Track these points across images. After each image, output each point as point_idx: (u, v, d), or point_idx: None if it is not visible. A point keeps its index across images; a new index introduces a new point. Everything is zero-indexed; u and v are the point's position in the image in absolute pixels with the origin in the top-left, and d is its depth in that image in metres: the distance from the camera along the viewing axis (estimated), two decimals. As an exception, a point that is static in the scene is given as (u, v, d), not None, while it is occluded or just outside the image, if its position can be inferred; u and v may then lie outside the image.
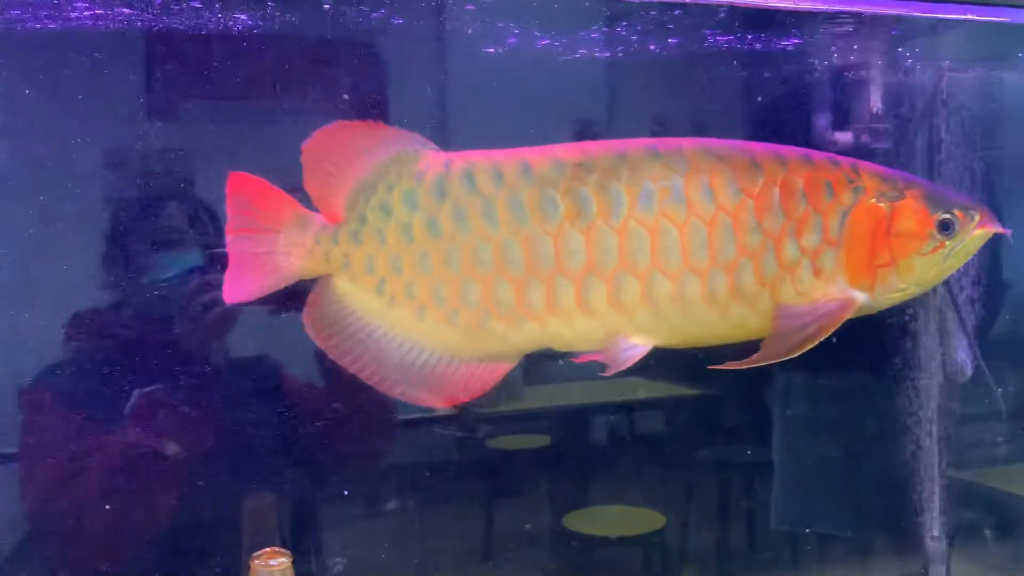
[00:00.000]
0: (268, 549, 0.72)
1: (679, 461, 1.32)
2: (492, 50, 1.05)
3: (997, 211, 1.32)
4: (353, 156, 0.71)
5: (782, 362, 0.76)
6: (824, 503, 1.38)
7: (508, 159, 0.71)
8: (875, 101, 1.33)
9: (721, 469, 1.37)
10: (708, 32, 1.14)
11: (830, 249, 0.73)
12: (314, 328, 0.72)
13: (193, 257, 0.92)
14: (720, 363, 0.72)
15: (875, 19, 1.23)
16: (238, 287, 0.72)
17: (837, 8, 1.15)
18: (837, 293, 0.73)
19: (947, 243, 0.74)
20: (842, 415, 1.36)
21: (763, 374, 1.29)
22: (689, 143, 0.73)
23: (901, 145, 1.35)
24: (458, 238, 0.70)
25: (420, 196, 0.71)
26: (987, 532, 1.45)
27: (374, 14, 0.95)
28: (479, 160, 0.72)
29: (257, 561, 0.71)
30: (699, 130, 1.25)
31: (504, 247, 0.70)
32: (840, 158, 0.75)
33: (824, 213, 0.72)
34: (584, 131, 1.13)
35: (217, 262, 0.89)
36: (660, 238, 0.70)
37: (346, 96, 1.00)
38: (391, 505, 1.13)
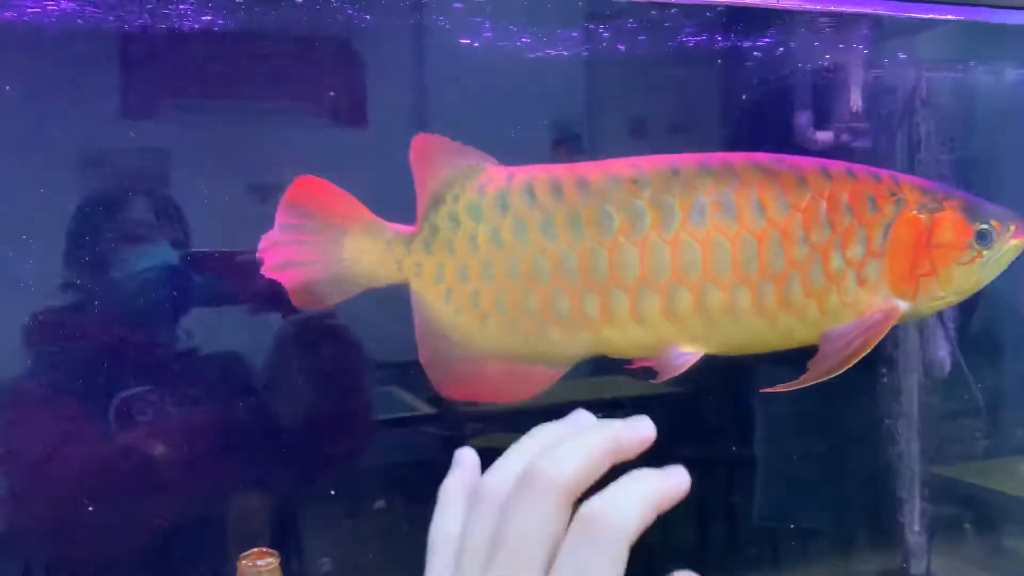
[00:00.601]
0: (255, 549, 0.72)
1: (662, 458, 1.32)
2: (470, 43, 1.05)
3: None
4: (427, 167, 0.74)
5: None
6: (807, 499, 1.39)
7: (567, 173, 0.74)
8: (855, 100, 1.34)
9: (703, 466, 1.38)
10: (687, 31, 1.15)
11: (874, 260, 0.75)
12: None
13: (164, 252, 0.92)
14: (769, 385, 0.75)
15: (854, 18, 1.24)
16: (309, 294, 0.73)
17: (816, 8, 1.16)
18: (881, 303, 0.75)
19: (984, 253, 0.76)
20: (824, 411, 1.38)
21: (745, 372, 1.29)
22: (738, 158, 0.75)
23: (881, 144, 1.37)
24: (518, 249, 0.73)
25: (484, 208, 0.73)
26: (966, 527, 1.47)
27: (350, 10, 0.95)
28: (539, 174, 0.74)
29: (245, 561, 0.70)
30: (678, 129, 1.26)
31: (561, 259, 0.73)
32: (881, 171, 0.77)
33: (868, 225, 0.74)
34: (565, 130, 1.14)
35: (194, 261, 0.89)
36: (712, 251, 0.72)
37: (327, 94, 1.00)
38: (376, 504, 1.13)
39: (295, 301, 0.73)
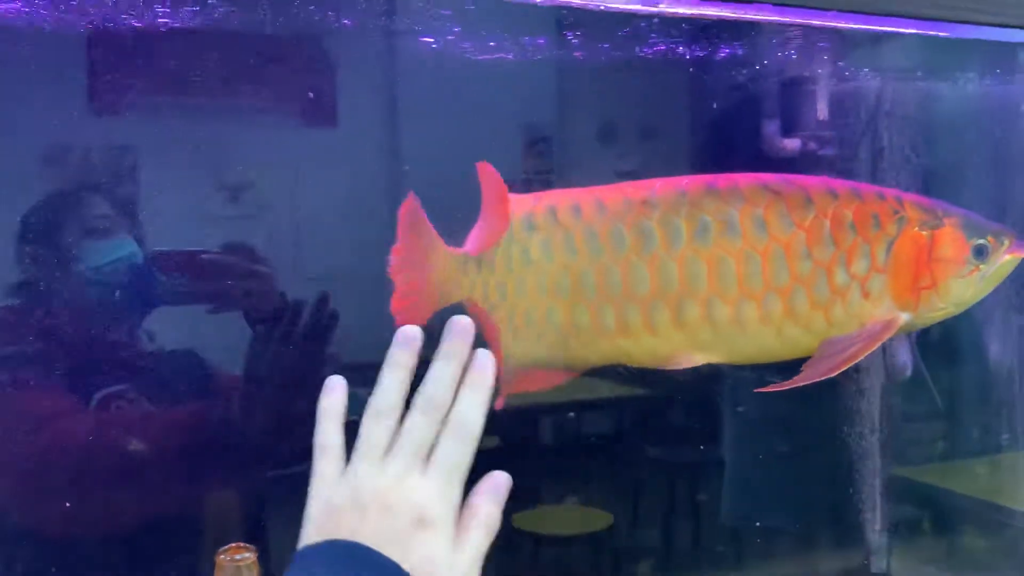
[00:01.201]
0: (233, 544, 0.72)
1: (628, 460, 1.34)
2: (434, 46, 1.06)
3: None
4: (490, 195, 0.79)
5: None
6: (772, 499, 1.41)
7: (585, 196, 0.80)
8: (819, 109, 1.37)
9: (669, 467, 1.40)
10: (655, 40, 1.17)
11: (878, 274, 0.79)
12: None
13: (126, 246, 0.92)
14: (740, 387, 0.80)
15: (819, 29, 1.26)
16: (412, 312, 0.77)
17: (782, 20, 1.18)
18: (884, 314, 0.79)
19: (981, 266, 0.80)
20: (790, 414, 1.40)
21: (713, 375, 1.31)
22: (746, 179, 0.80)
23: (845, 152, 1.39)
24: (544, 267, 0.79)
25: (514, 228, 0.78)
26: (925, 526, 1.50)
27: (317, 16, 0.96)
28: (561, 197, 0.80)
29: (223, 556, 0.70)
30: (646, 136, 1.28)
31: (581, 275, 0.78)
32: (886, 191, 0.82)
33: (872, 242, 0.78)
34: (534, 136, 1.15)
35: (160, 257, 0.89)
36: (716, 266, 0.77)
37: (294, 93, 1.01)
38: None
39: (398, 320, 0.77)
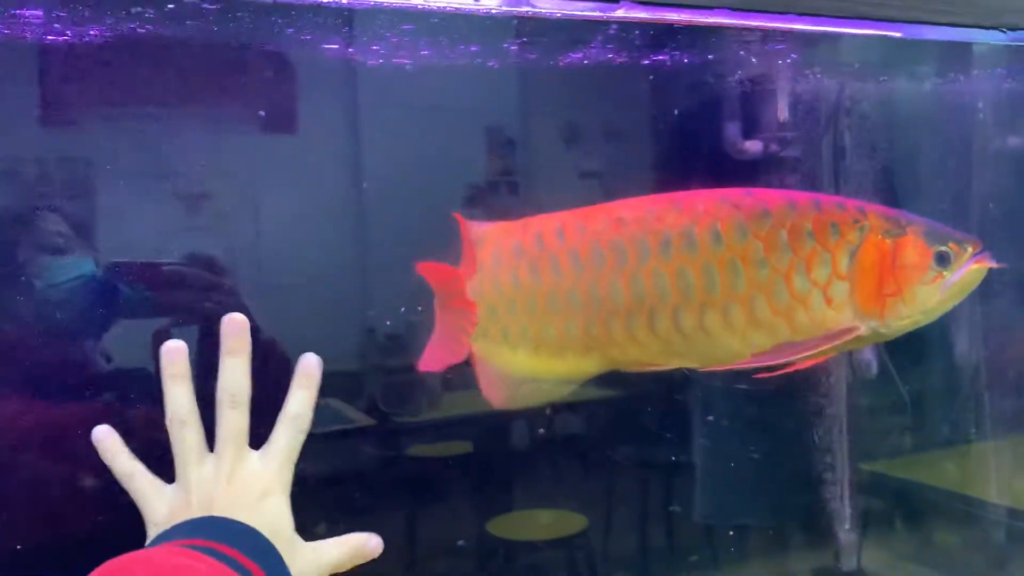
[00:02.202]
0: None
1: (601, 463, 1.34)
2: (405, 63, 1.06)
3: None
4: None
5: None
6: (740, 498, 1.41)
7: (568, 219, 0.85)
8: (780, 111, 1.38)
9: (643, 469, 1.40)
10: (615, 46, 1.17)
11: (839, 281, 0.81)
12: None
13: (83, 264, 0.90)
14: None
15: (778, 32, 1.27)
16: (435, 359, 0.89)
17: (740, 24, 1.19)
18: (848, 321, 0.81)
19: (944, 273, 0.83)
20: (756, 413, 1.40)
21: (684, 376, 1.32)
22: (707, 195, 0.85)
23: (807, 153, 1.40)
24: (534, 288, 0.84)
25: (503, 256, 0.85)
26: (896, 521, 1.51)
27: (277, 19, 0.95)
28: (548, 221, 0.86)
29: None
30: (609, 139, 1.29)
31: (568, 292, 0.83)
32: (849, 202, 0.86)
33: (832, 250, 0.81)
34: (497, 143, 1.15)
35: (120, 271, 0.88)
36: (678, 277, 0.81)
37: (253, 102, 1.00)
38: (313, 517, 1.12)
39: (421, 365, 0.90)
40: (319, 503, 1.13)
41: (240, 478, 0.65)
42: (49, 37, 0.88)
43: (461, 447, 1.23)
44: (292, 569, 0.64)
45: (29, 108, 0.89)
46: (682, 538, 1.41)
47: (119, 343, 0.89)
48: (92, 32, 0.87)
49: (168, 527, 0.62)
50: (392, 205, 1.10)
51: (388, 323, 1.14)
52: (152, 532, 0.65)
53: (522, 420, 1.27)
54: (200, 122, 0.98)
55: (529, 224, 0.86)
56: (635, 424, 1.35)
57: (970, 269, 0.83)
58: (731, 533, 1.40)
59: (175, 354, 0.67)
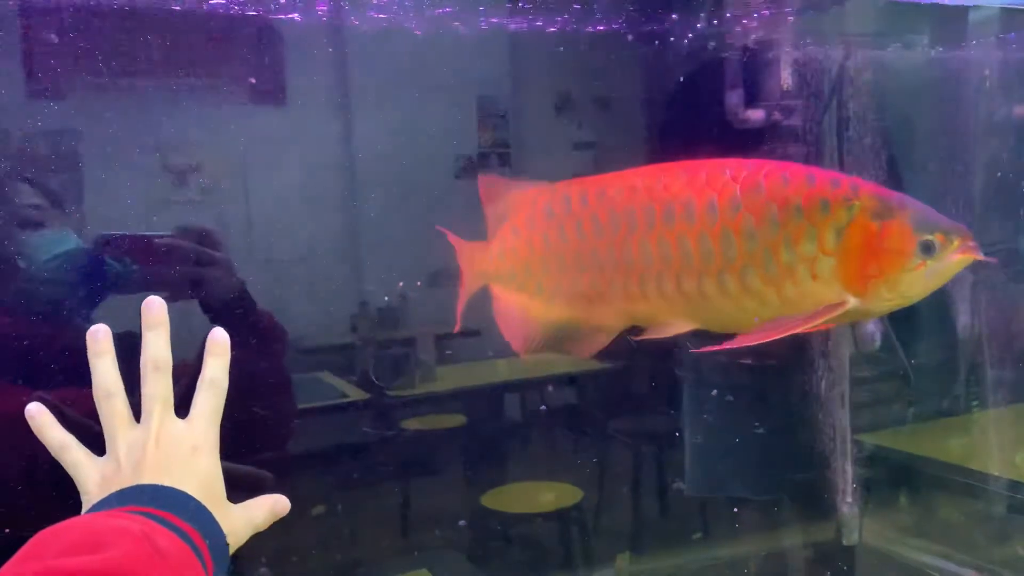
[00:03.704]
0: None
1: (594, 435, 1.33)
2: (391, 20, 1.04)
3: (900, 186, 1.37)
4: (492, 199, 0.95)
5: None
6: (741, 473, 1.41)
7: (591, 185, 0.90)
8: (783, 79, 1.36)
9: (636, 442, 1.39)
10: (614, 12, 1.15)
11: (825, 257, 0.82)
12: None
13: (66, 238, 0.89)
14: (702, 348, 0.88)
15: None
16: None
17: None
18: (834, 296, 0.83)
19: (928, 262, 0.82)
20: (757, 387, 1.39)
21: (676, 348, 1.31)
22: (711, 165, 0.87)
23: (810, 122, 1.38)
24: (562, 246, 0.90)
25: (536, 217, 0.92)
26: (898, 494, 1.50)
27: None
28: (574, 187, 0.91)
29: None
30: (606, 107, 1.27)
31: (591, 252, 0.89)
32: (843, 179, 0.86)
33: (818, 226, 0.82)
34: (488, 108, 1.14)
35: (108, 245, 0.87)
36: (679, 244, 0.85)
37: (242, 73, 0.98)
38: (308, 491, 1.12)
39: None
40: (316, 476, 1.13)
41: (168, 437, 0.67)
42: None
43: (455, 420, 1.23)
44: (224, 526, 0.65)
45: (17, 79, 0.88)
46: (676, 512, 1.41)
47: (111, 320, 0.88)
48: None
49: (101, 498, 0.64)
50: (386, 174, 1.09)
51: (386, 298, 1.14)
52: (86, 503, 0.67)
53: (515, 393, 1.26)
54: (189, 92, 0.97)
55: (558, 188, 0.91)
56: (635, 398, 1.35)
57: (954, 260, 0.83)
58: (735, 510, 1.40)
59: (99, 334, 0.70)
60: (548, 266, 0.92)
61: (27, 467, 0.81)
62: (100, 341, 0.69)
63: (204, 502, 0.64)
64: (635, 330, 0.90)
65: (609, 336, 0.91)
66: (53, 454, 0.69)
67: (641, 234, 0.86)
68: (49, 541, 0.55)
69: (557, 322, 0.92)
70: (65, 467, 0.68)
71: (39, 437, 0.69)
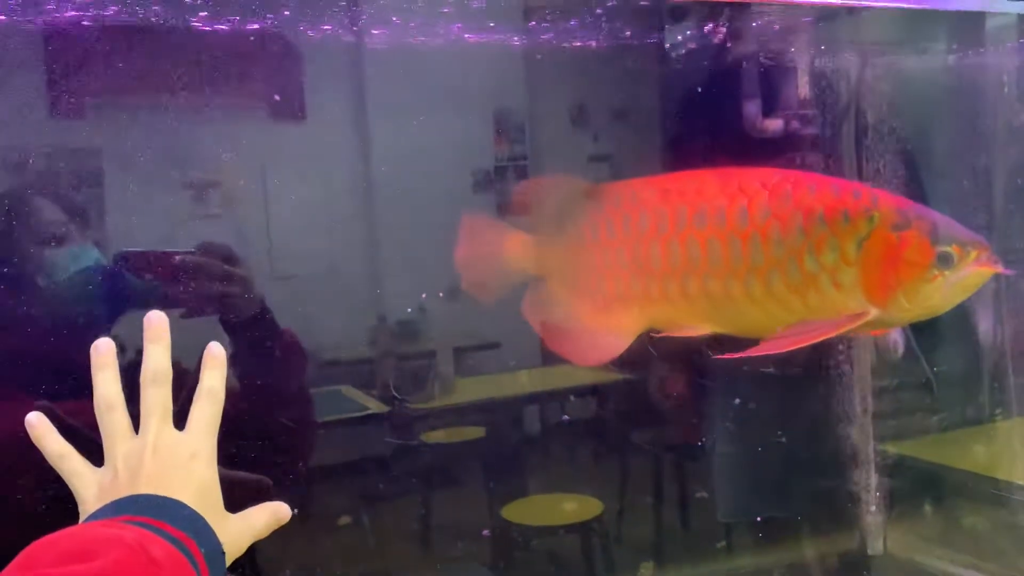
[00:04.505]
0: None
1: (616, 445, 1.33)
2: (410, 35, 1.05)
3: (922, 194, 1.36)
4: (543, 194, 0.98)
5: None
6: (764, 484, 1.40)
7: (623, 187, 0.93)
8: (801, 88, 1.35)
9: (657, 454, 1.39)
10: (630, 23, 1.16)
11: (847, 267, 0.83)
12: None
13: (89, 254, 0.90)
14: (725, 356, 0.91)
15: (798, 7, 1.25)
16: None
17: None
18: (856, 306, 0.83)
19: (946, 273, 0.83)
20: (780, 398, 1.39)
21: (699, 356, 1.30)
22: (743, 172, 0.89)
23: (828, 131, 1.38)
24: (590, 247, 0.93)
25: (573, 215, 0.93)
26: (922, 503, 1.48)
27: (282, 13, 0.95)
28: (609, 188, 0.93)
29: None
30: (622, 118, 1.27)
31: (617, 252, 0.91)
32: (865, 190, 0.88)
33: (840, 236, 0.83)
34: (505, 122, 1.14)
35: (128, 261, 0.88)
36: (708, 247, 0.86)
37: (261, 90, 0.99)
38: (330, 503, 1.13)
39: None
40: (335, 489, 1.14)
41: (165, 447, 0.68)
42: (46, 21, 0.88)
43: (474, 433, 1.23)
44: (222, 536, 0.65)
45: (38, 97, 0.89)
46: (698, 524, 1.40)
47: (129, 335, 0.89)
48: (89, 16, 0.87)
49: (98, 508, 0.64)
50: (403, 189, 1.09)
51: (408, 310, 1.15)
52: (83, 513, 0.67)
53: (534, 405, 1.26)
54: (209, 109, 0.98)
55: (595, 190, 0.94)
56: (656, 407, 1.34)
57: (972, 272, 0.83)
58: (759, 519, 1.39)
59: (101, 347, 0.71)
60: (586, 262, 0.93)
61: (43, 480, 0.81)
62: (102, 354, 0.70)
63: (201, 511, 0.64)
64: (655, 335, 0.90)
65: (624, 344, 0.92)
66: (51, 463, 0.69)
67: (669, 236, 0.87)
68: (42, 551, 0.55)
69: (580, 319, 0.92)
70: (63, 476, 0.69)
71: (38, 446, 0.70)
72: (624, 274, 0.90)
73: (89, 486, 0.67)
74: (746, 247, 0.85)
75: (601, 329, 0.93)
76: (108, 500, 0.64)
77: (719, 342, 0.91)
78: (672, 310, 0.88)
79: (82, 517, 0.66)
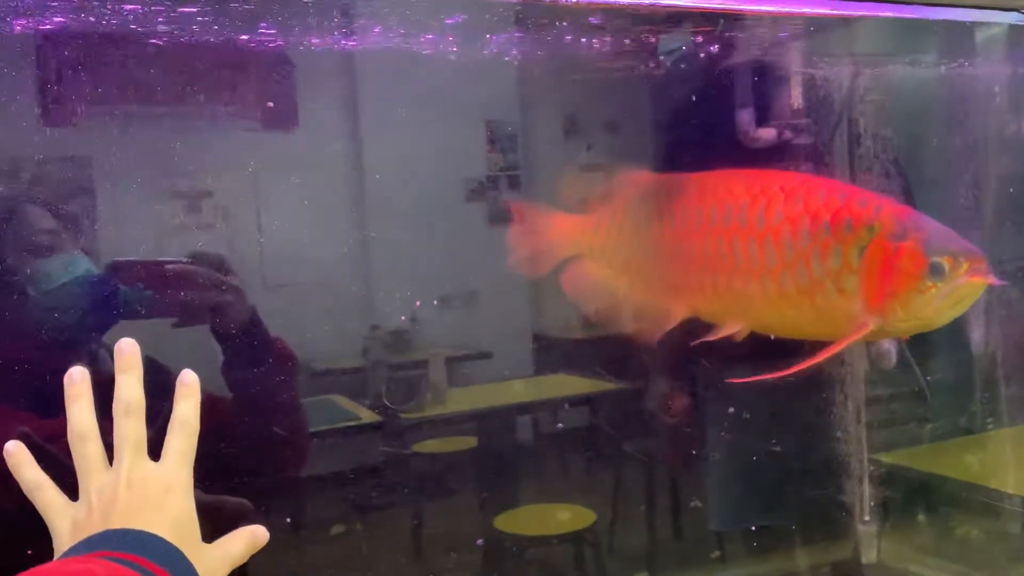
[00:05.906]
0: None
1: (607, 457, 1.33)
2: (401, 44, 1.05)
3: (911, 203, 1.36)
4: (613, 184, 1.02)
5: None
6: (758, 493, 1.40)
7: (661, 181, 0.98)
8: (792, 98, 1.36)
9: (649, 463, 1.38)
10: (626, 31, 1.16)
11: (850, 274, 0.85)
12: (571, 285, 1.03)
13: (81, 263, 0.90)
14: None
15: (791, 16, 1.25)
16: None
17: (752, 9, 1.17)
18: (858, 312, 0.85)
19: (938, 285, 0.83)
20: (773, 407, 1.39)
21: (692, 368, 1.30)
22: (768, 175, 0.92)
23: (821, 140, 1.38)
24: (635, 235, 0.98)
25: (631, 204, 0.99)
26: (915, 513, 1.48)
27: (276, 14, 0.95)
28: (650, 180, 0.99)
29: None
30: (613, 128, 1.27)
31: (656, 241, 0.96)
32: (870, 198, 0.89)
33: (843, 243, 0.85)
34: (497, 132, 1.14)
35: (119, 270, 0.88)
36: (730, 245, 0.89)
37: (250, 100, 0.99)
38: (320, 514, 1.12)
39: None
40: (327, 499, 1.13)
41: (139, 480, 0.66)
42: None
43: (466, 442, 1.23)
44: (200, 567, 0.64)
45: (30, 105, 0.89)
46: (691, 533, 1.40)
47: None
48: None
49: (72, 544, 0.62)
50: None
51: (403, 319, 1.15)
52: (58, 549, 0.66)
53: (526, 414, 1.26)
54: (199, 118, 0.98)
55: (640, 180, 1.00)
56: (650, 417, 1.34)
57: (964, 283, 0.83)
58: (752, 529, 1.39)
59: (75, 376, 0.69)
60: (633, 247, 0.99)
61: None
62: (76, 384, 0.69)
63: (177, 543, 0.63)
64: (690, 335, 0.94)
65: (670, 323, 0.95)
66: (26, 493, 0.68)
67: (701, 232, 0.91)
68: None
69: (631, 299, 0.98)
70: (38, 508, 0.67)
71: (15, 475, 0.68)
72: (666, 263, 0.95)
73: (63, 519, 0.66)
74: (762, 247, 0.88)
75: (647, 308, 0.97)
76: (82, 535, 0.63)
77: (716, 354, 0.93)
78: (702, 301, 0.93)
79: (57, 552, 0.66)
